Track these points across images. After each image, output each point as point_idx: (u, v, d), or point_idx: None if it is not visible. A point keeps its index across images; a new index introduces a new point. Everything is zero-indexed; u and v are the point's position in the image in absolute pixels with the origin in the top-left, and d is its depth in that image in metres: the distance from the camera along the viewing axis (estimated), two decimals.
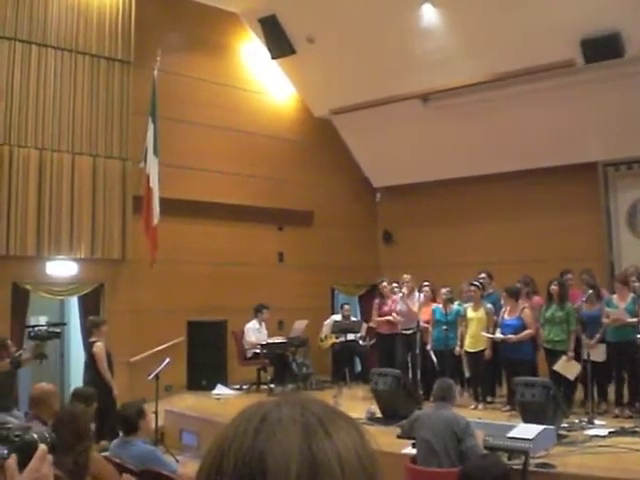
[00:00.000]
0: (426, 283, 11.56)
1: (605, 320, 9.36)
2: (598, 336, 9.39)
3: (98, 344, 9.09)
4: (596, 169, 13.26)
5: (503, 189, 14.15)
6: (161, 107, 11.51)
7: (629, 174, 13.11)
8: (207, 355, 12.29)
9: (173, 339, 11.86)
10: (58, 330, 9.31)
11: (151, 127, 11.20)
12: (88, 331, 9.49)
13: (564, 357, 9.36)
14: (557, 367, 9.35)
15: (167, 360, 9.71)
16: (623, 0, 10.56)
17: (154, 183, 11.06)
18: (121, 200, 11.65)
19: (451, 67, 12.52)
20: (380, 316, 12.31)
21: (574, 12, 10.86)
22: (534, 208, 13.82)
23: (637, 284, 9.74)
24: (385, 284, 12.45)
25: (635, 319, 9.06)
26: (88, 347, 9.33)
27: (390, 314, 12.04)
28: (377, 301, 12.60)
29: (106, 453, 5.60)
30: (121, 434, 5.72)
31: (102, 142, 11.52)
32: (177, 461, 8.26)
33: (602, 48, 11.10)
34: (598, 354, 9.36)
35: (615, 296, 9.61)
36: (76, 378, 11.46)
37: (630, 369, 9.18)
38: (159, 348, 11.30)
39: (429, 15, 12.17)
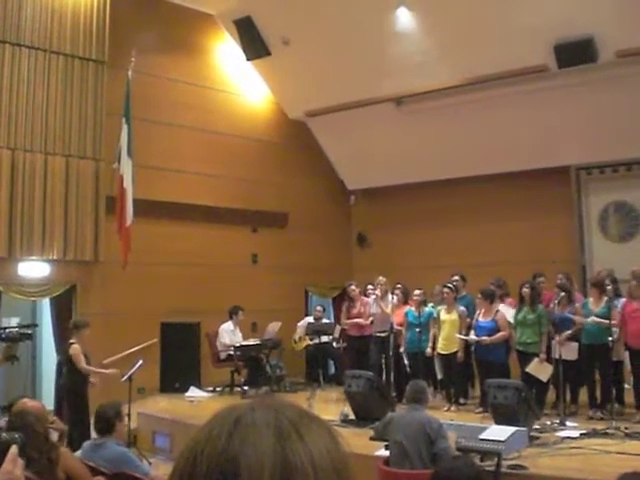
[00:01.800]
0: (398, 286, 11.60)
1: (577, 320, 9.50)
2: (569, 332, 9.47)
3: (74, 346, 9.03)
4: (569, 173, 13.39)
5: (477, 192, 14.24)
6: (136, 108, 11.44)
7: (601, 178, 13.24)
8: (180, 357, 12.26)
9: (146, 341, 11.78)
10: (30, 331, 9.22)
11: (125, 128, 11.13)
12: (70, 331, 9.43)
13: (536, 359, 9.43)
14: (530, 369, 9.42)
15: (140, 362, 9.66)
16: (597, 5, 10.65)
17: (128, 184, 10.99)
18: (94, 201, 11.57)
19: (425, 71, 12.58)
20: (349, 319, 12.31)
21: (548, 17, 10.95)
22: (507, 211, 13.92)
23: (610, 287, 9.82)
24: (353, 287, 12.43)
25: (607, 321, 9.15)
26: (66, 348, 9.28)
27: (359, 317, 12.05)
28: (346, 304, 12.59)
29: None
30: (94, 436, 5.67)
31: (75, 142, 11.44)
32: (150, 463, 8.22)
33: (575, 53, 11.20)
34: (570, 352, 9.44)
35: (591, 300, 9.70)
36: (48, 380, 11.40)
37: (602, 371, 9.26)
38: (132, 350, 11.21)
39: (404, 18, 12.22)
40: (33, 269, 11.07)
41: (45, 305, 11.69)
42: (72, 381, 9.05)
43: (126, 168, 11.02)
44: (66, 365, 9.22)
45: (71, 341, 9.17)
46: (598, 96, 11.90)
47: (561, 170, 13.26)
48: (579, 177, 13.41)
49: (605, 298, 9.52)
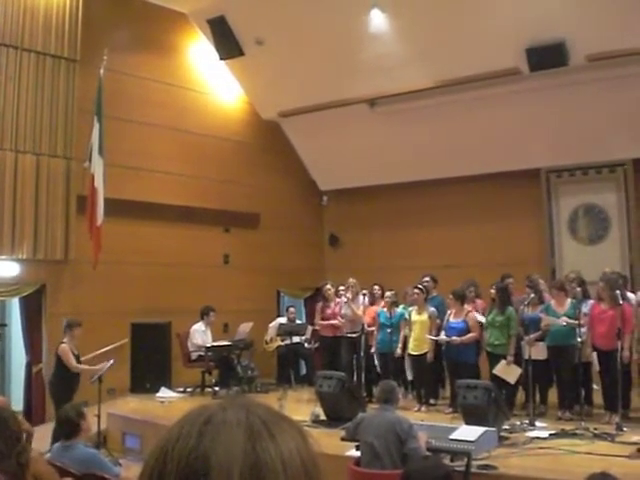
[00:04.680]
0: (376, 287, 11.66)
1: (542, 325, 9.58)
2: (539, 333, 9.54)
3: (62, 346, 9.23)
4: (539, 175, 13.50)
5: (448, 194, 14.32)
6: (108, 106, 11.37)
7: (571, 180, 13.36)
8: (151, 357, 12.17)
9: (116, 341, 11.69)
10: None
11: (96, 126, 11.05)
12: (63, 331, 9.48)
13: (503, 361, 9.48)
14: (496, 371, 9.47)
15: (111, 362, 9.60)
16: (568, 9, 10.75)
17: (99, 183, 10.92)
18: (65, 200, 11.47)
19: (398, 72, 12.62)
20: (323, 319, 12.33)
21: (520, 20, 11.03)
22: (478, 213, 14.01)
23: (578, 289, 9.91)
24: (329, 287, 12.46)
25: (576, 322, 9.25)
26: (57, 348, 9.37)
27: (333, 317, 12.07)
28: (320, 304, 12.62)
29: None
30: (62, 439, 5.62)
31: (46, 141, 11.32)
32: (120, 464, 8.17)
33: (547, 56, 11.30)
34: (539, 352, 9.51)
35: (553, 302, 9.79)
36: (17, 380, 11.30)
37: (569, 373, 9.34)
38: (102, 350, 11.13)
39: (377, 20, 12.24)
40: (2, 268, 10.94)
41: (14, 305, 11.57)
42: (58, 380, 9.24)
43: (97, 167, 10.95)
44: (54, 365, 9.38)
45: (62, 341, 9.31)
46: (569, 99, 12.02)
47: (532, 173, 13.38)
48: (549, 180, 13.52)
49: (569, 300, 9.62)
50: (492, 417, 7.79)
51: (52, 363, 9.65)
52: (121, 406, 11.05)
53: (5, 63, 10.91)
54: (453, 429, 6.97)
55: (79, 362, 9.38)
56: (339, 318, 11.97)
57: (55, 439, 7.90)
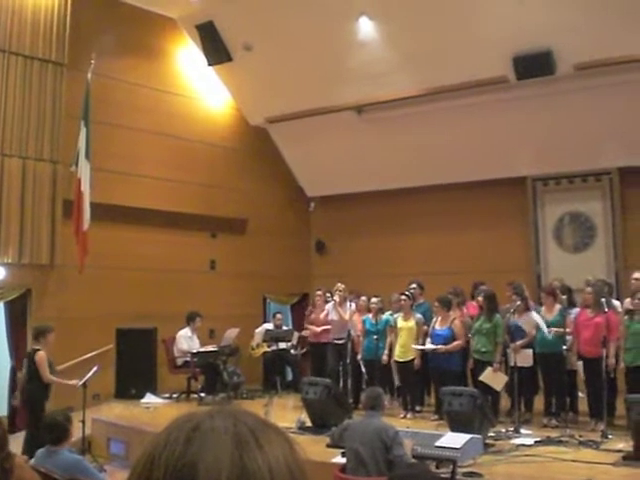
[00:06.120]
0: (363, 298, 11.61)
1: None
2: (525, 340, 9.55)
3: (40, 353, 8.92)
4: (525, 183, 13.55)
5: (435, 201, 14.35)
6: (95, 111, 11.33)
7: (557, 189, 13.42)
8: (136, 363, 12.12)
9: (102, 347, 11.63)
10: None
11: (83, 130, 11.01)
12: (34, 338, 9.29)
13: (490, 368, 9.48)
14: (483, 378, 9.46)
15: (95, 368, 9.54)
16: (555, 19, 10.80)
17: (85, 187, 10.87)
18: (51, 204, 11.41)
19: (386, 80, 12.66)
20: (310, 324, 12.33)
21: (508, 29, 11.09)
22: (465, 220, 14.05)
23: (564, 297, 9.97)
24: (320, 293, 12.41)
25: (562, 330, 9.29)
26: (31, 354, 9.12)
27: (318, 323, 12.03)
28: (308, 309, 12.63)
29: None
30: (49, 444, 5.58)
31: (32, 144, 11.27)
32: (105, 471, 8.12)
33: (534, 65, 11.36)
34: (525, 359, 9.52)
35: (543, 308, 9.82)
36: (0, 385, 11.21)
37: (556, 380, 9.37)
38: (87, 356, 11.06)
39: (366, 28, 12.29)
40: None
41: None
42: (35, 387, 8.98)
43: (84, 171, 10.90)
44: (29, 372, 9.09)
45: (36, 347, 9.05)
46: (556, 108, 12.07)
47: (518, 180, 13.44)
48: (535, 188, 13.58)
49: (558, 306, 9.65)
50: (477, 424, 7.80)
51: (26, 368, 9.36)
52: (106, 412, 11.01)
53: None
54: (439, 436, 6.98)
55: (53, 371, 9.19)
56: (309, 325, 12.11)
57: (27, 447, 7.85)
